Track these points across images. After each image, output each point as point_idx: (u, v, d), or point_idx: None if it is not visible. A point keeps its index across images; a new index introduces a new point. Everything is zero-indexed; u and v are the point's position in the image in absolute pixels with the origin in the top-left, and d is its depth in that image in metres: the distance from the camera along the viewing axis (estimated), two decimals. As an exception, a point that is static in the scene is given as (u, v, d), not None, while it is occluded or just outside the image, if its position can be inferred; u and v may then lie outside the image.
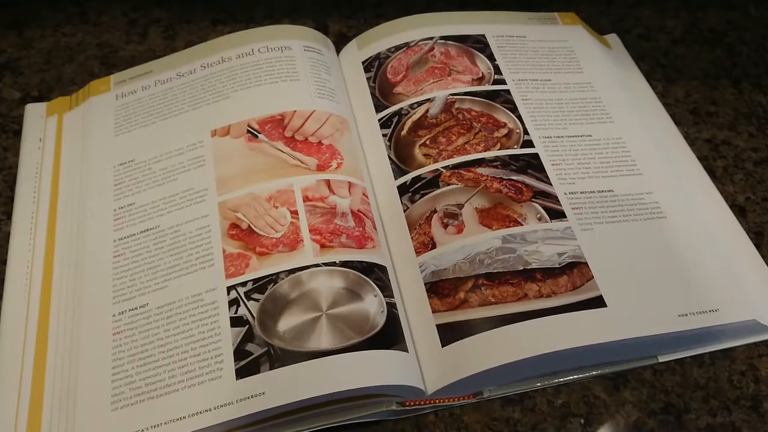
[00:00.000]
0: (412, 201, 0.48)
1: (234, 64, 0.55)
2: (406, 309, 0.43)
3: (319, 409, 0.39)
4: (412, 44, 0.56)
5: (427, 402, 0.41)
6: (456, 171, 0.48)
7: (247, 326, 0.41)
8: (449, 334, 0.41)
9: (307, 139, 0.50)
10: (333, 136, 0.50)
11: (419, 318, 0.43)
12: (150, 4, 0.67)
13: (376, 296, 0.42)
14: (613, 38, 0.63)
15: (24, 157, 0.53)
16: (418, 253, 0.45)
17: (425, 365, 0.41)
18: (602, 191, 0.48)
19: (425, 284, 0.44)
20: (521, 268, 0.43)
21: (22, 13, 0.66)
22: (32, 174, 0.52)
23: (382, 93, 0.54)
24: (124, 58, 0.62)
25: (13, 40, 0.64)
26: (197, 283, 0.43)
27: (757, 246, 0.49)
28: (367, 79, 0.55)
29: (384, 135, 0.52)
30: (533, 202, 0.47)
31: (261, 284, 0.42)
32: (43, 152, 0.53)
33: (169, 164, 0.49)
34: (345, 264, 0.43)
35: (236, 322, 0.41)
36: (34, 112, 0.56)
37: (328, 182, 0.47)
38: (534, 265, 0.43)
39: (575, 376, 0.43)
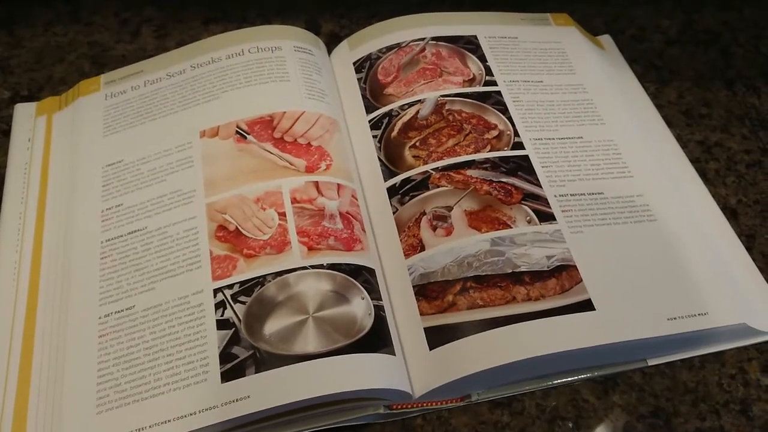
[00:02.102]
0: (402, 203, 0.47)
1: (224, 64, 0.54)
2: (394, 312, 0.43)
3: (305, 412, 0.39)
4: (404, 45, 0.56)
5: (415, 405, 0.41)
6: (445, 173, 0.48)
7: (234, 329, 0.40)
8: (437, 337, 0.41)
9: (296, 140, 0.49)
10: (323, 137, 0.50)
11: (407, 321, 0.43)
12: (142, 3, 0.67)
13: (363, 299, 0.42)
14: (606, 39, 0.63)
15: (12, 157, 0.53)
16: (406, 255, 0.45)
17: (413, 368, 0.41)
18: (592, 194, 0.47)
19: (413, 287, 0.43)
20: (510, 271, 0.43)
21: (13, 12, 0.65)
22: (20, 174, 0.52)
23: (373, 94, 0.54)
24: (114, 57, 0.62)
25: (2, 38, 0.63)
26: (184, 285, 0.43)
27: (749, 249, 0.49)
28: (358, 79, 0.55)
29: (374, 136, 0.51)
30: (523, 204, 0.46)
31: (248, 287, 0.42)
32: (31, 152, 0.53)
33: (157, 165, 0.49)
34: (332, 266, 0.43)
35: (222, 324, 0.41)
36: (23, 112, 0.56)
37: (316, 184, 0.47)
38: (523, 268, 0.43)
39: (564, 380, 0.43)
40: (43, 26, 0.65)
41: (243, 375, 0.39)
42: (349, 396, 0.38)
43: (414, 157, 0.49)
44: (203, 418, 0.38)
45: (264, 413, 0.37)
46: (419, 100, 0.52)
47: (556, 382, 0.43)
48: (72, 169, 0.51)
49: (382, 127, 0.52)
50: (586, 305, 0.42)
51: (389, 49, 0.56)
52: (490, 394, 0.42)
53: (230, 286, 0.42)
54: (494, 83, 0.54)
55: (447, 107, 0.52)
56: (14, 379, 0.42)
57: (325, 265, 0.43)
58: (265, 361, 0.39)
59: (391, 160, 0.50)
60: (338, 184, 0.47)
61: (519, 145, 0.50)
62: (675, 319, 0.42)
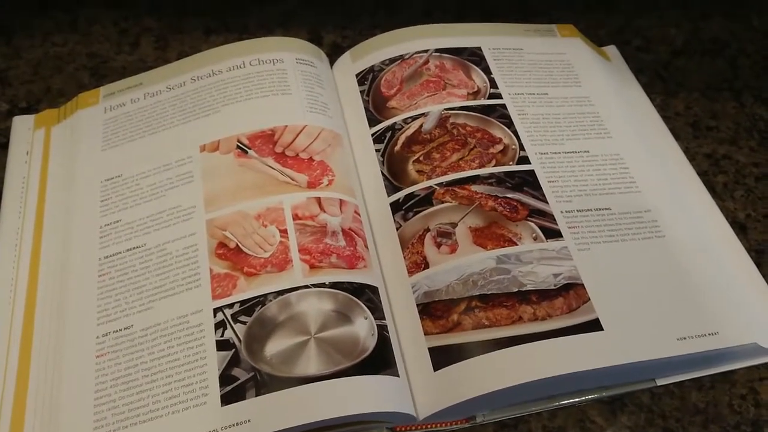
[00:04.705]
0: (405, 219, 0.46)
1: (225, 77, 0.54)
2: (397, 331, 0.42)
3: (307, 436, 0.38)
4: (407, 57, 0.55)
5: (419, 427, 0.40)
6: (450, 188, 0.47)
7: (234, 350, 0.40)
8: (442, 357, 0.40)
9: (298, 155, 0.49)
10: (325, 151, 0.49)
11: (411, 341, 0.42)
12: (142, 13, 0.66)
13: (366, 318, 0.41)
14: (612, 50, 0.62)
15: (10, 171, 0.52)
16: (410, 273, 0.44)
17: (417, 390, 0.40)
18: (599, 209, 0.47)
19: (417, 305, 0.43)
20: (516, 289, 0.42)
21: (12, 22, 0.65)
22: (18, 188, 0.51)
23: (376, 107, 0.53)
24: (114, 68, 0.61)
25: (1, 49, 0.63)
26: (183, 304, 0.42)
27: (758, 265, 0.48)
28: (360, 92, 0.54)
29: (377, 150, 0.51)
30: (529, 220, 0.45)
31: (248, 306, 0.41)
32: (29, 166, 0.52)
33: (156, 180, 0.48)
34: (335, 285, 0.42)
35: (222, 345, 0.40)
36: (21, 125, 0.55)
37: (318, 200, 0.46)
38: (529, 287, 0.42)
39: (571, 400, 0.42)
40: (42, 36, 0.64)
41: (243, 398, 0.38)
42: (352, 419, 0.38)
43: (418, 171, 0.49)
44: (202, 442, 0.37)
45: (265, 437, 0.37)
46: (423, 114, 0.52)
47: (562, 402, 0.42)
48: (70, 184, 0.50)
49: (385, 141, 0.51)
50: (594, 325, 0.41)
51: (392, 61, 0.55)
52: (495, 415, 0.41)
53: (230, 306, 0.41)
54: (499, 96, 0.53)
55: (451, 121, 0.51)
56: (9, 400, 0.41)
57: (327, 283, 0.42)
58: (265, 383, 0.38)
59: (394, 174, 0.49)
60: (341, 200, 0.47)
61: (524, 160, 0.49)
62: (685, 339, 0.41)
